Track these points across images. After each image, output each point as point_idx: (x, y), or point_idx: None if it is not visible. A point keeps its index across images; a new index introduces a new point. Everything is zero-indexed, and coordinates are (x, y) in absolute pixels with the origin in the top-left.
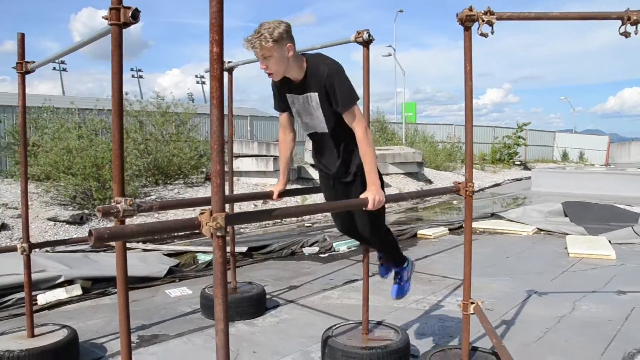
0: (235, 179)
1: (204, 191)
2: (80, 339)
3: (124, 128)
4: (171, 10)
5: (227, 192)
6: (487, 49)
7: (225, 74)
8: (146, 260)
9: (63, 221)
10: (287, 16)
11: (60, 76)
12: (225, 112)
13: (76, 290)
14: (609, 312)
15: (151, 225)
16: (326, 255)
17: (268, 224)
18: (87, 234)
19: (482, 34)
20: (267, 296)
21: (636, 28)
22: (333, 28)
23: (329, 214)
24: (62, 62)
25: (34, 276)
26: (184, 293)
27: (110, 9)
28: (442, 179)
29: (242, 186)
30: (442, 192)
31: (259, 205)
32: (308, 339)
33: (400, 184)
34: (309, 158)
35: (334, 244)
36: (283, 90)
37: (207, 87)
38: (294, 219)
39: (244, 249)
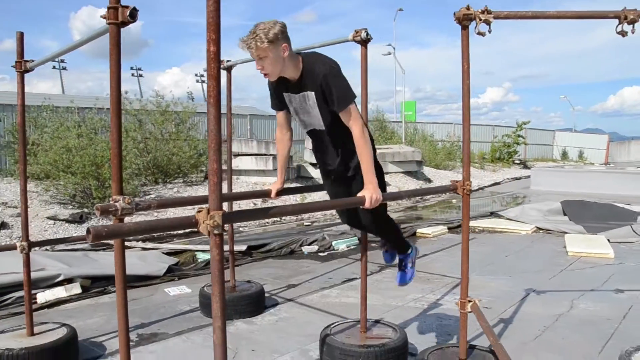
0: (234, 177)
1: (204, 190)
2: (80, 337)
3: (123, 127)
4: (171, 8)
5: (226, 191)
6: (487, 48)
7: (224, 72)
8: (145, 258)
9: (63, 220)
10: (287, 14)
11: (60, 75)
12: (225, 110)
13: (75, 288)
14: (606, 311)
15: (149, 223)
16: (325, 254)
17: (267, 222)
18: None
19: (479, 33)
20: (266, 295)
21: (633, 27)
22: (333, 27)
23: (328, 212)
24: (62, 61)
25: (34, 275)
26: (183, 292)
27: (109, 8)
28: (441, 177)
29: (241, 185)
30: (440, 191)
31: (259, 204)
32: (306, 337)
33: (399, 182)
34: (308, 157)
35: (333, 243)
36: (280, 89)
37: (206, 85)
38: (293, 217)
39: (243, 247)
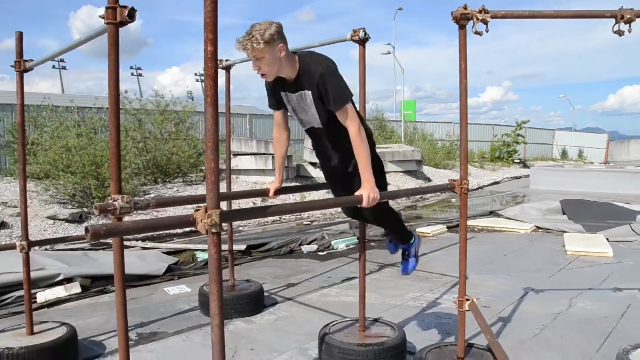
0: (234, 177)
1: (203, 189)
2: (80, 336)
3: (123, 126)
4: (170, 7)
5: (225, 190)
6: (487, 47)
7: (223, 72)
8: (145, 258)
9: (62, 219)
10: (286, 13)
11: (60, 74)
12: (223, 110)
13: (75, 288)
14: (605, 309)
15: (147, 222)
16: (324, 253)
17: (267, 222)
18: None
19: (476, 32)
20: (265, 294)
21: (629, 26)
22: (333, 25)
23: (327, 211)
24: (62, 60)
25: (34, 274)
26: (182, 291)
27: (107, 8)
28: (441, 177)
29: (241, 184)
30: (437, 190)
31: (258, 203)
32: (305, 336)
33: (399, 182)
34: (308, 156)
35: (333, 242)
36: (277, 88)
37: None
38: (293, 217)
39: (242, 247)
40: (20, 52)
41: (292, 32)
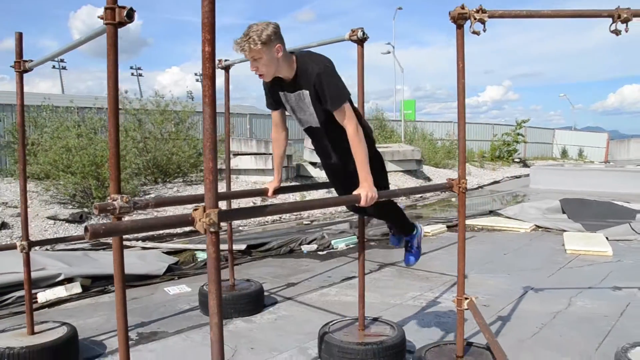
0: (234, 176)
1: (203, 189)
2: (80, 336)
3: (123, 126)
4: (170, 7)
5: (224, 190)
6: (487, 47)
7: (222, 72)
8: (145, 258)
9: (63, 220)
10: (286, 13)
11: (60, 74)
12: (222, 110)
13: (76, 288)
14: (604, 308)
15: (145, 221)
16: (324, 252)
17: (267, 221)
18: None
19: (474, 32)
20: (265, 293)
21: (626, 26)
22: (333, 25)
23: (327, 211)
24: (62, 61)
25: (34, 274)
26: (182, 290)
27: (106, 8)
28: (441, 176)
29: (241, 184)
30: (436, 189)
31: (258, 202)
32: (305, 335)
33: (399, 181)
34: (308, 156)
35: (332, 242)
36: (275, 88)
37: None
38: (293, 216)
39: (242, 246)
40: (20, 52)
41: (292, 32)
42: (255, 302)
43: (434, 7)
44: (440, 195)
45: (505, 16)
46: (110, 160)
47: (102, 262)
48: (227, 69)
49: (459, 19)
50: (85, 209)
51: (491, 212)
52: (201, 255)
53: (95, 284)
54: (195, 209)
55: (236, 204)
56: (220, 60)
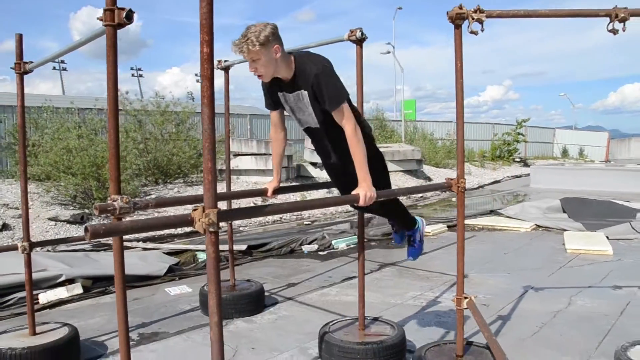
0: (234, 177)
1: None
2: (81, 337)
3: (123, 127)
4: (169, 8)
5: (225, 190)
6: (487, 47)
7: (222, 72)
8: (146, 259)
9: (64, 221)
10: (286, 13)
11: (60, 76)
12: (222, 110)
13: (77, 289)
14: (604, 307)
15: (145, 221)
16: (325, 252)
17: (267, 222)
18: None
19: (472, 32)
20: (266, 293)
21: (624, 25)
22: (333, 25)
23: (327, 211)
24: (62, 62)
25: (36, 275)
26: (183, 291)
27: (105, 10)
28: (441, 176)
29: (241, 185)
30: (434, 188)
31: (259, 203)
32: (306, 335)
33: (399, 181)
34: (308, 156)
35: (333, 242)
36: (274, 89)
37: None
38: (293, 217)
39: (243, 247)
40: (20, 54)
41: (292, 32)
42: (255, 302)
43: (434, 7)
44: (441, 195)
45: (503, 16)
46: (110, 161)
47: (103, 263)
48: (226, 69)
49: (457, 19)
50: (86, 210)
51: (492, 212)
52: (202, 256)
53: (96, 285)
54: (195, 209)
55: (237, 204)
56: (219, 61)
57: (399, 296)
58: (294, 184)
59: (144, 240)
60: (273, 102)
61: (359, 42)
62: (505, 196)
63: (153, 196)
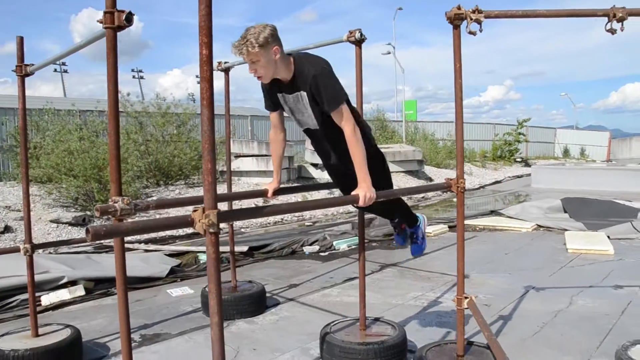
0: (235, 178)
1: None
2: (84, 338)
3: (124, 129)
4: (169, 9)
5: (225, 191)
6: (488, 47)
7: (222, 74)
8: (148, 260)
9: (66, 223)
10: (287, 14)
11: (62, 78)
12: (222, 112)
13: (79, 290)
14: (605, 307)
15: (146, 223)
16: (326, 253)
17: (269, 223)
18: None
19: (470, 32)
20: (268, 294)
21: (622, 25)
22: (334, 26)
23: (329, 212)
24: (63, 64)
25: (38, 277)
26: (185, 292)
27: (105, 12)
28: (442, 176)
29: (242, 186)
30: (434, 189)
31: (260, 204)
32: (307, 335)
33: (400, 182)
34: (309, 157)
35: (334, 243)
36: (273, 90)
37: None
38: (295, 218)
39: (244, 248)
40: (21, 56)
41: (293, 33)
42: (257, 303)
43: (434, 7)
44: (442, 195)
45: (501, 16)
46: (111, 162)
47: (105, 265)
48: (226, 71)
49: (456, 19)
50: (88, 212)
51: (493, 212)
52: (203, 257)
53: (98, 287)
54: (195, 210)
55: (239, 206)
56: (219, 63)
57: (400, 297)
58: (294, 185)
59: (146, 242)
60: (273, 103)
61: (358, 43)
62: (507, 196)
63: (154, 198)
